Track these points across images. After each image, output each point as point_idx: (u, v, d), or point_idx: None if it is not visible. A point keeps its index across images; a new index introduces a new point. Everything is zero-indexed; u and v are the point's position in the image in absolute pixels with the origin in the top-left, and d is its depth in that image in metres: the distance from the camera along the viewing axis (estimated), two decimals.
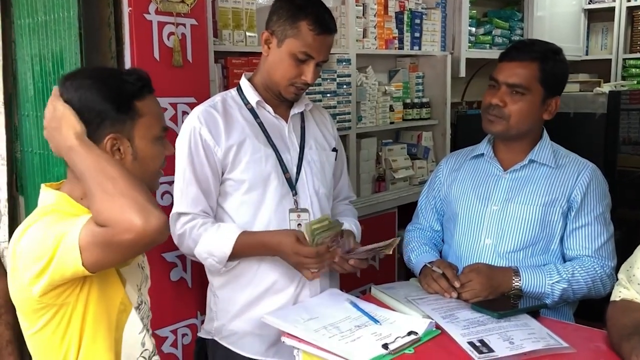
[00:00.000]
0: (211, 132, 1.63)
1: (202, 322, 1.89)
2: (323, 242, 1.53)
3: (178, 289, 2.02)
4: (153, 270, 1.43)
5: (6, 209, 2.15)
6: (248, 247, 1.61)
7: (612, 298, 1.43)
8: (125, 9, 1.83)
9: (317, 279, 1.66)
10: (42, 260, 1.06)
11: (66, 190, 1.20)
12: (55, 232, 1.06)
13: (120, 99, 1.16)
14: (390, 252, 1.60)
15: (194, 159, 1.63)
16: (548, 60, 1.67)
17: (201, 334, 1.81)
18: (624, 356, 1.24)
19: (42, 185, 1.22)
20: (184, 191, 1.64)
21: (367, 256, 1.65)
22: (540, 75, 1.66)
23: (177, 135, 1.70)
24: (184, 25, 1.96)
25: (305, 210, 1.69)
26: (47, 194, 1.20)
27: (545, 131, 1.78)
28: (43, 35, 1.99)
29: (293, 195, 1.69)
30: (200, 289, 2.04)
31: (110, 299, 1.19)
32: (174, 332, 2.02)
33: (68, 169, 1.21)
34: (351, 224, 1.83)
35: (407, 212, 2.65)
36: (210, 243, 1.61)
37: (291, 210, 1.68)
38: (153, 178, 1.26)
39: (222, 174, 1.66)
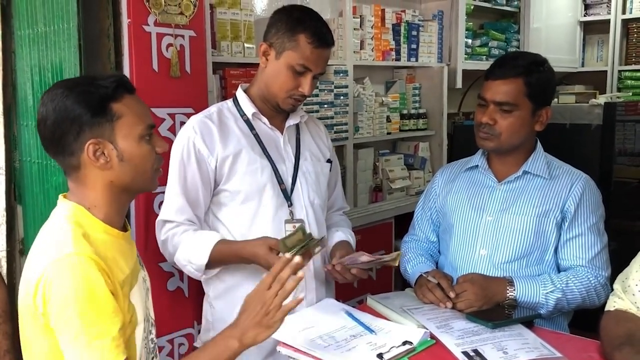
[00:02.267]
0: (205, 142, 1.64)
1: (199, 331, 1.90)
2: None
3: (175, 298, 2.02)
4: (150, 281, 1.44)
5: (4, 218, 2.17)
6: (224, 256, 1.61)
7: (607, 308, 1.44)
8: (125, 21, 1.85)
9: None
10: (67, 329, 1.08)
11: (75, 201, 1.20)
12: (84, 329, 1.08)
13: (94, 103, 1.15)
14: (397, 265, 1.59)
15: (185, 168, 1.64)
16: (532, 73, 1.68)
17: (197, 344, 1.81)
18: None
19: (60, 196, 1.23)
20: (172, 199, 1.66)
21: (369, 267, 1.65)
22: (527, 90, 1.67)
23: (171, 142, 1.71)
24: (183, 36, 1.98)
25: (300, 221, 1.70)
26: (63, 205, 1.21)
27: (538, 142, 1.79)
28: (43, 46, 2.01)
29: (289, 206, 1.70)
30: (197, 299, 2.04)
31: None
32: (171, 341, 2.02)
33: (70, 180, 1.22)
34: (347, 235, 1.84)
35: (404, 222, 2.67)
36: (188, 250, 1.62)
37: (287, 221, 1.69)
38: (147, 177, 1.25)
39: (217, 184, 1.67)
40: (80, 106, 1.15)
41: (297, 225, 1.66)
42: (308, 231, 1.57)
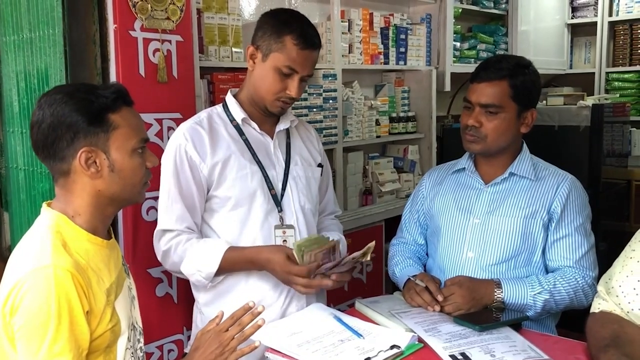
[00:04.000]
0: (197, 149, 1.64)
1: (189, 337, 1.89)
2: (314, 260, 1.53)
3: (164, 304, 2.02)
4: (138, 287, 1.43)
5: None
6: (235, 263, 1.61)
7: (592, 310, 1.44)
8: (111, 26, 1.85)
9: (310, 294, 1.65)
10: (29, 340, 1.08)
11: (59, 209, 1.20)
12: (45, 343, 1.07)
13: (92, 112, 1.16)
14: (369, 258, 1.58)
15: (179, 175, 1.63)
16: (517, 76, 1.70)
17: (187, 351, 1.80)
18: None
19: (44, 204, 1.23)
20: (169, 208, 1.64)
21: (347, 268, 1.65)
22: (511, 92, 1.69)
23: (162, 150, 1.71)
24: (170, 41, 1.97)
25: (290, 227, 1.70)
26: (46, 214, 1.21)
27: (524, 144, 1.81)
28: (28, 52, 2.01)
29: (279, 212, 1.70)
30: (186, 305, 2.04)
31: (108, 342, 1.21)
32: (160, 347, 2.02)
33: (57, 186, 1.22)
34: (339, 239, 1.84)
35: (394, 225, 2.66)
36: (196, 259, 1.61)
37: (276, 227, 1.68)
38: (135, 190, 1.26)
39: (208, 190, 1.67)
40: (78, 113, 1.15)
41: (290, 230, 1.67)
42: (321, 235, 1.59)
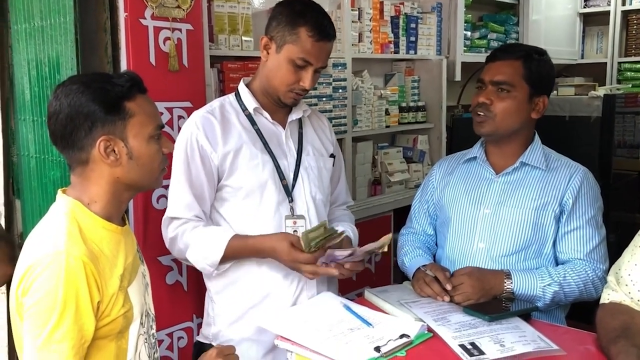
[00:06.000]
0: (208, 138, 1.64)
1: (199, 325, 1.90)
2: (320, 249, 1.53)
3: (174, 292, 2.03)
4: (149, 275, 1.44)
5: (3, 213, 2.17)
6: (240, 251, 1.61)
7: (601, 301, 1.44)
8: (122, 14, 1.85)
9: (317, 278, 1.65)
10: (33, 322, 1.09)
11: (74, 196, 1.21)
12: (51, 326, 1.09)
13: (109, 100, 1.17)
14: (386, 250, 1.58)
15: (189, 164, 1.64)
16: (532, 59, 1.71)
17: (199, 338, 1.82)
18: (612, 359, 1.25)
19: (59, 191, 1.24)
20: (178, 196, 1.65)
21: (362, 258, 1.65)
22: (525, 72, 1.69)
23: (173, 139, 1.71)
24: (180, 30, 1.97)
25: (301, 217, 1.70)
26: (61, 200, 1.22)
27: (536, 134, 1.79)
28: (39, 41, 2.01)
29: (289, 202, 1.70)
30: (196, 292, 2.05)
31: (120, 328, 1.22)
32: (170, 335, 2.03)
33: (73, 174, 1.23)
34: (348, 230, 1.83)
35: (402, 215, 2.66)
36: (202, 246, 1.61)
37: (287, 217, 1.69)
38: (153, 176, 1.27)
39: (219, 179, 1.67)
40: (95, 103, 1.16)
41: (300, 221, 1.67)
42: (329, 226, 1.57)
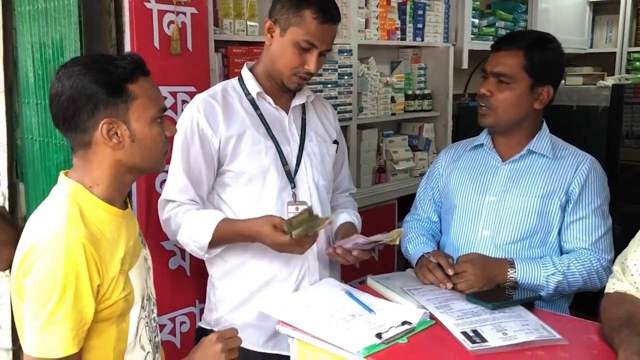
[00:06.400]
0: (209, 122, 1.63)
1: (201, 310, 1.90)
2: (310, 236, 1.51)
3: (176, 277, 2.03)
4: (152, 259, 1.44)
5: (6, 196, 2.17)
6: (229, 235, 1.60)
7: (606, 290, 1.43)
8: None
9: (310, 247, 1.61)
10: (34, 304, 1.10)
11: (76, 179, 1.21)
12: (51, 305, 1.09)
13: (111, 83, 1.16)
14: (398, 243, 1.58)
15: (189, 147, 1.63)
16: (535, 49, 1.66)
17: (201, 324, 1.82)
18: (615, 348, 1.24)
19: (61, 173, 1.24)
20: (175, 179, 1.65)
21: (370, 247, 1.64)
22: (526, 64, 1.65)
23: (176, 123, 1.70)
24: (184, 13, 1.95)
25: (303, 203, 1.68)
26: (63, 182, 1.21)
27: (544, 123, 1.77)
28: (43, 23, 2.00)
29: (292, 188, 1.69)
30: (198, 278, 2.05)
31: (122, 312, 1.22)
32: (172, 320, 2.04)
33: (75, 157, 1.22)
34: (352, 216, 1.83)
35: (407, 203, 2.65)
36: (191, 229, 1.61)
37: (289, 203, 1.68)
38: (156, 159, 1.27)
39: (221, 165, 1.66)
40: (97, 85, 1.15)
41: (302, 207, 1.65)
42: (315, 213, 1.55)
